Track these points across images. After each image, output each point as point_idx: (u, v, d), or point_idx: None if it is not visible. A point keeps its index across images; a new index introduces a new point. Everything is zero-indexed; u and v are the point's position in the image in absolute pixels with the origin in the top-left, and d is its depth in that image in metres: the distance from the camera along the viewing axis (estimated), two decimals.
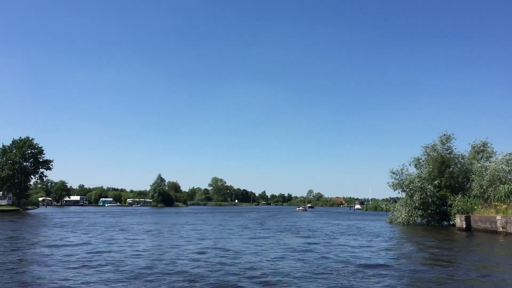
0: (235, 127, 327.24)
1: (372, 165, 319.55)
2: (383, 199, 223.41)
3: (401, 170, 49.88)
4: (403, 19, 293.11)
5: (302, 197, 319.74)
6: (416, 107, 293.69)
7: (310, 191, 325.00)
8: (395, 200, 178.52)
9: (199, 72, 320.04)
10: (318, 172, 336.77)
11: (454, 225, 44.05)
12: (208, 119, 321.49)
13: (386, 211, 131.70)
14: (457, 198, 44.43)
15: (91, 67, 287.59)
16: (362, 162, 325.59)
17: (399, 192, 50.64)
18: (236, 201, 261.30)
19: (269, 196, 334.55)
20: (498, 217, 33.96)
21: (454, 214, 44.10)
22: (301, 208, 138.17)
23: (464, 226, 37.72)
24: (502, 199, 37.51)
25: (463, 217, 38.34)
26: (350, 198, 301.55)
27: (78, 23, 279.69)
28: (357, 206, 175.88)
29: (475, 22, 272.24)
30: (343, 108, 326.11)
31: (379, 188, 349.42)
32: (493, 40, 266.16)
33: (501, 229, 33.29)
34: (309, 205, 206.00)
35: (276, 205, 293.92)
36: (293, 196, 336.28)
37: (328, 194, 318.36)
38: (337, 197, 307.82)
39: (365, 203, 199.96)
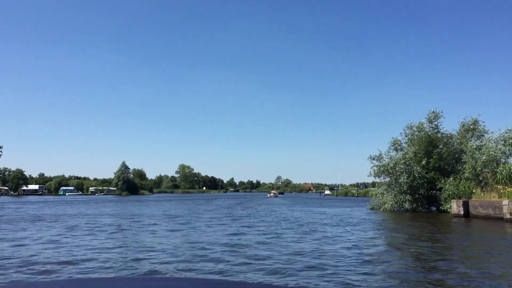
0: (202, 114, 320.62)
1: (340, 151, 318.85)
2: (350, 185, 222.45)
3: (379, 155, 45.91)
4: (377, 3, 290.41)
5: (271, 183, 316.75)
6: (384, 93, 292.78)
7: (279, 178, 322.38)
8: (365, 186, 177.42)
9: (166, 58, 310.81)
10: (286, 158, 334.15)
11: (445, 211, 40.08)
12: (175, 105, 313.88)
13: (357, 196, 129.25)
14: (448, 181, 40.28)
15: (53, 53, 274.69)
16: (329, 147, 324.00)
17: (382, 178, 46.41)
18: (204, 188, 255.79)
19: (237, 183, 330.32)
20: (505, 202, 29.63)
21: (445, 198, 40.04)
22: (272, 194, 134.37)
23: (462, 212, 33.45)
24: (504, 181, 33.34)
25: (460, 202, 34.03)
26: (319, 184, 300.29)
27: (37, 8, 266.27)
28: (327, 192, 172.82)
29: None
30: (310, 94, 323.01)
31: (347, 173, 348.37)
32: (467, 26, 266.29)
33: (508, 216, 28.98)
34: (278, 191, 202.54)
35: (245, 191, 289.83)
36: (261, 182, 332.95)
37: (296, 180, 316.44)
38: (305, 183, 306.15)
39: (335, 188, 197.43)
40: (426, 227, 25.59)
